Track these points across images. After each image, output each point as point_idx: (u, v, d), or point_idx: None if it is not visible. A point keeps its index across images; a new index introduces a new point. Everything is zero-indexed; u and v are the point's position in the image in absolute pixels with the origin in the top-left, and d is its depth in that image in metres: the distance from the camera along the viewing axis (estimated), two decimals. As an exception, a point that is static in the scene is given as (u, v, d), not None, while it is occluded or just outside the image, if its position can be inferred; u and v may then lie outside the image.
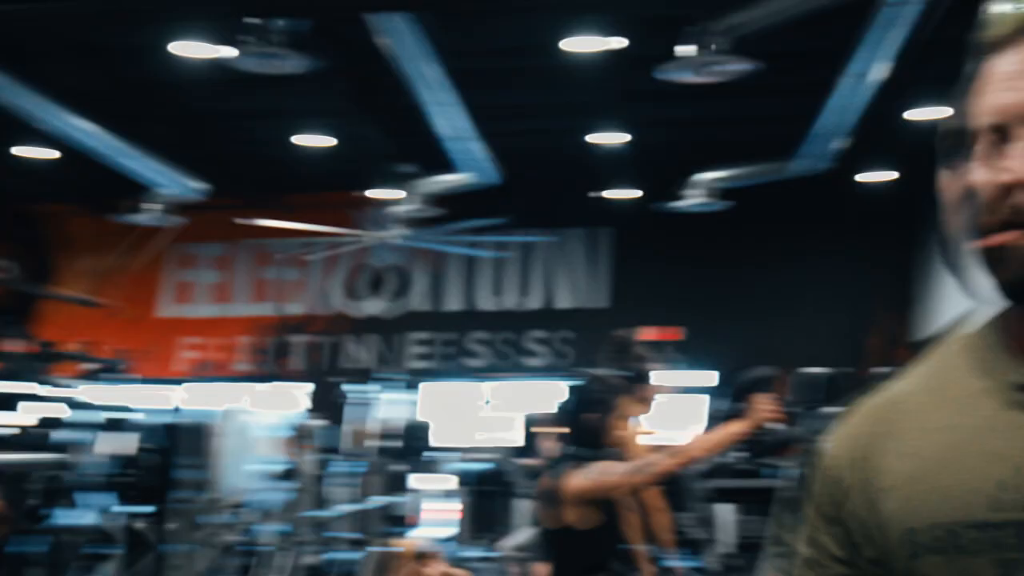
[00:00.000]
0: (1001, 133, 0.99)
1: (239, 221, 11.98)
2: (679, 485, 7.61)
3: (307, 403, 11.65)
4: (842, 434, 1.14)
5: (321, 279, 14.25)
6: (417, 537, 7.67)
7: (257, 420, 7.15)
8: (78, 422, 6.11)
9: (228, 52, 7.23)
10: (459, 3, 6.54)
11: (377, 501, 9.44)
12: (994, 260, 0.99)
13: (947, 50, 8.15)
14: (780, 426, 6.99)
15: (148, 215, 11.52)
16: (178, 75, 9.26)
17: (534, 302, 14.01)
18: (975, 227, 1.00)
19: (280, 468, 7.29)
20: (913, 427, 1.08)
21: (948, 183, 1.04)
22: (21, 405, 6.68)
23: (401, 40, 7.44)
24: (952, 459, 1.04)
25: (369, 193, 12.20)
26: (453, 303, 14.18)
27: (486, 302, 14.12)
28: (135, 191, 11.48)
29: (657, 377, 5.38)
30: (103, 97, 9.50)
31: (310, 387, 12.86)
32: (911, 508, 1.05)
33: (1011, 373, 1.03)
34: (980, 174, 0.99)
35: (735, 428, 3.97)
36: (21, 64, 8.18)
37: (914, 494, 1.05)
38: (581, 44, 8.61)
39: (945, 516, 1.02)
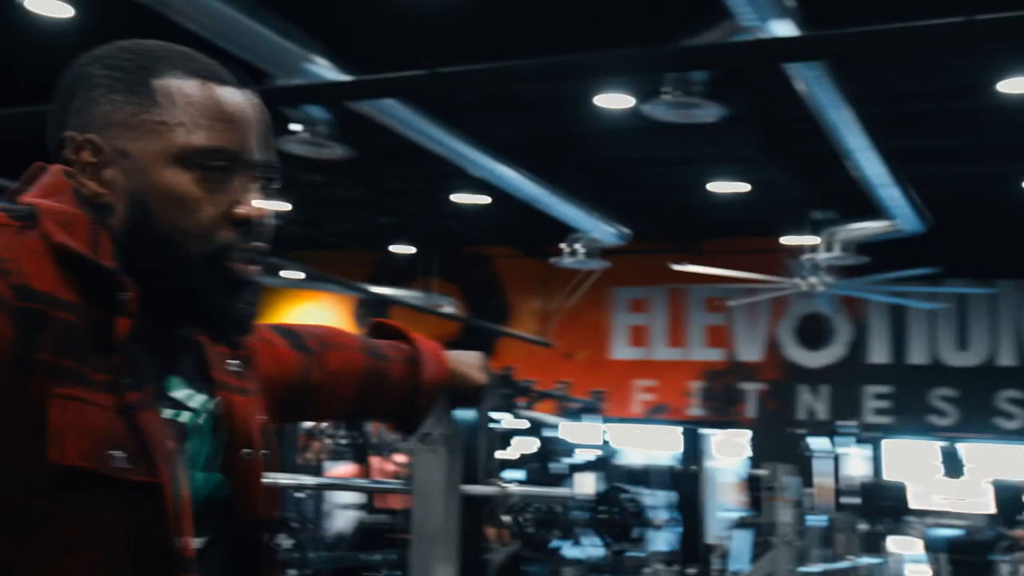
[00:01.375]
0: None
1: (677, 267, 12.09)
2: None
3: (750, 451, 11.54)
4: None
5: (769, 326, 14.13)
6: None
7: (718, 466, 7.30)
8: (572, 459, 6.59)
9: (647, 103, 7.55)
10: (888, 48, 6.50)
11: (855, 560, 9.19)
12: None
13: None
14: None
15: (576, 258, 12.02)
16: (600, 125, 9.80)
17: (1005, 358, 13.06)
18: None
19: (745, 516, 7.40)
20: None
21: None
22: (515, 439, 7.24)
23: (815, 85, 7.46)
24: None
25: (784, 240, 12.10)
26: (915, 356, 13.50)
27: (950, 356, 13.35)
28: (563, 235, 12.09)
29: None
30: (530, 146, 10.11)
31: (750, 434, 12.68)
32: None
33: None
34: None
35: None
36: (459, 118, 8.99)
37: None
38: (1019, 85, 8.27)
39: None
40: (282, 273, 14.58)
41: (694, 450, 3.76)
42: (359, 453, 8.21)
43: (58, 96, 1.24)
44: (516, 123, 10.04)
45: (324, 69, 6.95)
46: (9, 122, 8.17)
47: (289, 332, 1.60)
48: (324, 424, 10.78)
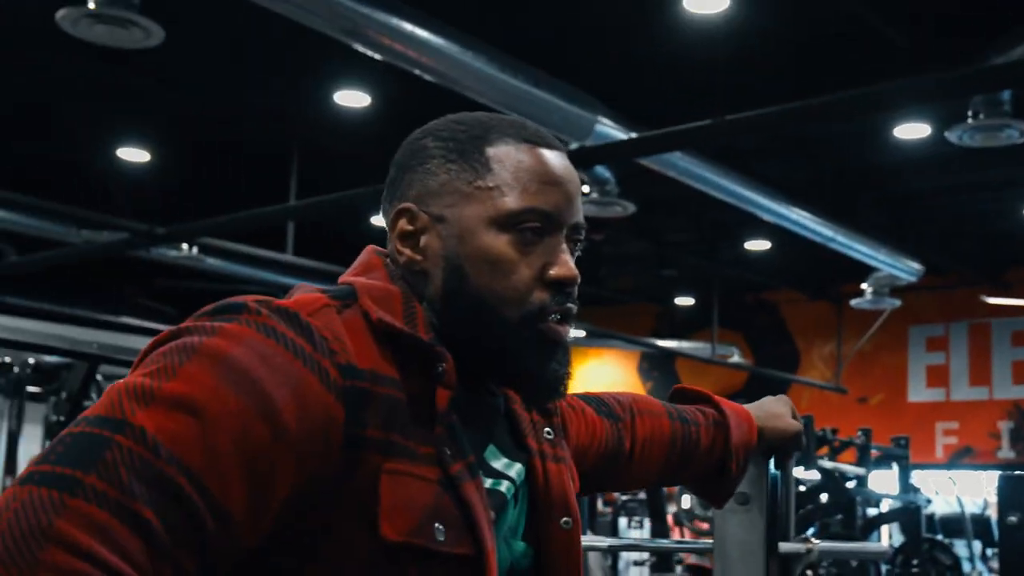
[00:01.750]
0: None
1: (990, 301, 11.69)
2: None
3: None
4: None
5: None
6: None
7: None
8: (878, 510, 6.40)
9: (951, 129, 7.22)
10: None
11: None
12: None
13: None
14: None
15: (867, 298, 11.69)
16: (896, 157, 9.46)
17: None
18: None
19: None
20: None
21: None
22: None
23: None
24: None
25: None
26: None
27: None
28: (852, 275, 11.75)
29: None
30: (818, 186, 9.89)
31: None
32: None
33: None
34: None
35: None
36: (744, 163, 8.85)
37: None
38: None
39: None
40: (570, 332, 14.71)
41: (1013, 496, 3.44)
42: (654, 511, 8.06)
43: (391, 173, 1.29)
44: (803, 163, 9.87)
45: (611, 129, 6.99)
46: (316, 209, 8.62)
47: (595, 400, 1.59)
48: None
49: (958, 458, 13.79)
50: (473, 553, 1.08)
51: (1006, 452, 13.57)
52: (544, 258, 1.20)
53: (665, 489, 9.58)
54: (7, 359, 7.90)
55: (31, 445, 7.55)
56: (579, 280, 1.23)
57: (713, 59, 7.13)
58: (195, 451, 0.94)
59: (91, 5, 5.34)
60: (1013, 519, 3.33)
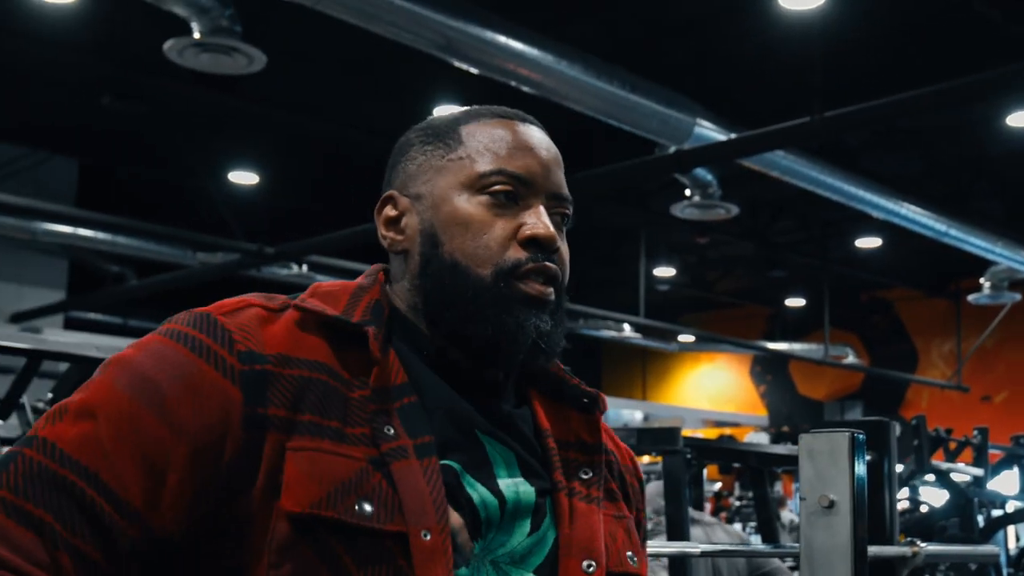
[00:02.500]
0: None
1: None
2: None
3: None
4: None
5: None
6: None
7: None
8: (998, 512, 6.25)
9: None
10: None
11: None
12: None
13: None
14: None
15: (987, 293, 11.42)
16: (1012, 147, 9.22)
17: None
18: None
19: None
20: None
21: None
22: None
23: None
24: None
25: None
26: None
27: None
28: (969, 269, 11.49)
29: None
30: (931, 179, 9.72)
31: None
32: None
33: None
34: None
35: None
36: (851, 159, 8.71)
37: None
38: None
39: None
40: (679, 337, 14.67)
41: None
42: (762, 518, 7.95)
43: (386, 171, 1.32)
44: (913, 157, 9.68)
45: (710, 131, 6.94)
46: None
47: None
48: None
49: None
50: (397, 530, 1.04)
51: None
52: (520, 219, 1.20)
53: (780, 492, 9.48)
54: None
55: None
56: (556, 241, 1.20)
57: (811, 54, 7.03)
58: (91, 450, 1.03)
59: (196, 35, 5.50)
60: None
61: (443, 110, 8.44)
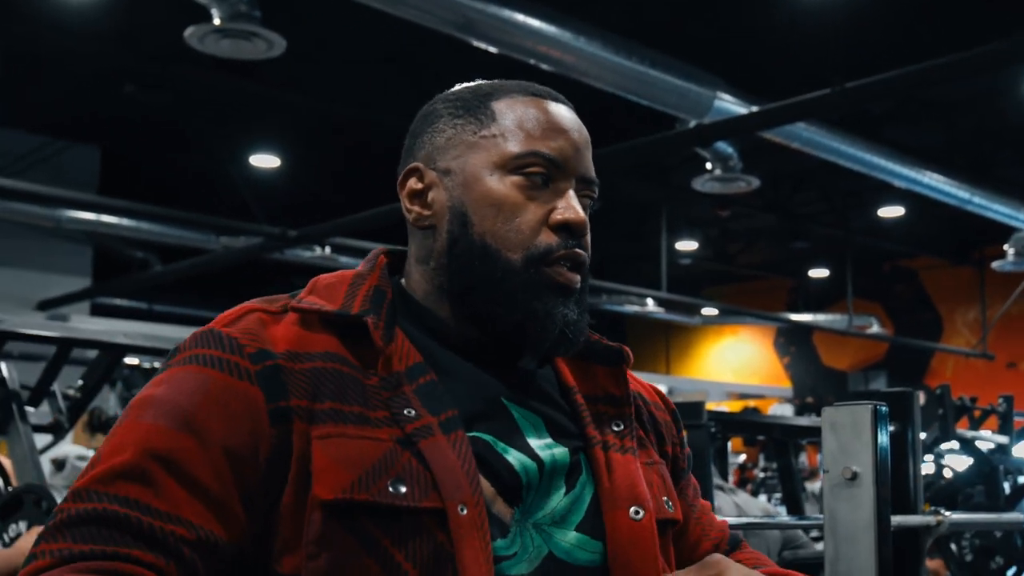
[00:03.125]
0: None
1: None
2: None
3: None
4: None
5: None
6: None
7: None
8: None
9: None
10: None
11: None
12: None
13: None
14: None
15: (1011, 260, 11.36)
16: (1028, 114, 9.18)
17: None
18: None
19: None
20: None
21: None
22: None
23: None
24: None
25: None
26: None
27: None
28: (993, 237, 11.43)
29: None
30: (953, 148, 9.66)
31: None
32: None
33: None
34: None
35: None
36: (874, 130, 8.67)
37: None
38: None
39: None
40: (702, 311, 14.65)
41: None
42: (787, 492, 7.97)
43: (406, 143, 1.29)
44: (937, 126, 9.63)
45: (731, 104, 6.93)
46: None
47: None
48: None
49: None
50: (435, 507, 1.04)
51: None
52: (551, 203, 1.18)
53: (805, 464, 9.48)
54: (156, 364, 8.23)
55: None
56: (587, 227, 1.20)
57: (832, 26, 7.01)
58: (133, 484, 1.02)
59: (216, 21, 5.52)
60: None
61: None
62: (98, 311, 11.72)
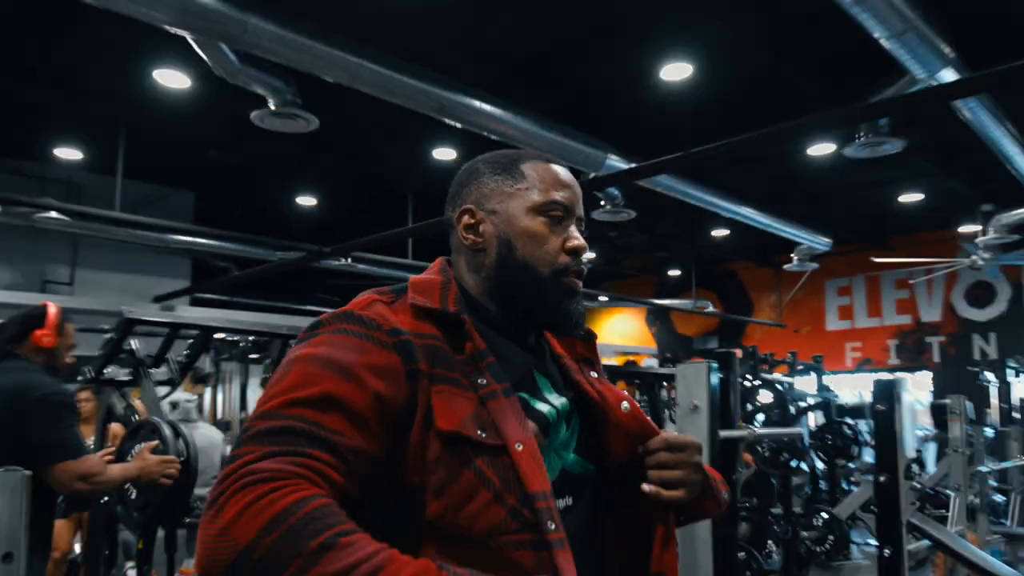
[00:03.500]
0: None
1: (877, 260, 11.39)
2: None
3: (936, 386, 10.59)
4: None
5: (945, 293, 12.94)
6: None
7: (910, 398, 6.76)
8: (803, 403, 6.33)
9: (847, 147, 7.01)
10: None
11: (1020, 460, 8.27)
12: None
13: None
14: None
15: (796, 263, 11.52)
16: (811, 168, 9.24)
17: None
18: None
19: (930, 433, 6.85)
20: None
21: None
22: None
23: (976, 112, 6.67)
24: None
25: (955, 229, 11.03)
26: None
27: None
28: (785, 248, 11.55)
29: None
30: (762, 189, 9.73)
31: (933, 375, 11.70)
32: None
33: None
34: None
35: None
36: (711, 177, 8.71)
37: None
38: None
39: None
40: (599, 298, 14.64)
41: (890, 388, 3.37)
42: (653, 412, 7.98)
43: (452, 189, 1.27)
44: (751, 175, 9.70)
45: (617, 162, 6.91)
46: (425, 228, 8.63)
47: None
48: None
49: (861, 366, 13.47)
50: (499, 443, 1.05)
51: (893, 360, 13.29)
52: (564, 234, 1.19)
53: (667, 397, 9.51)
54: (236, 338, 8.06)
55: (254, 392, 7.69)
56: (587, 249, 1.21)
57: (683, 109, 7.03)
58: (313, 415, 0.98)
59: (271, 106, 5.40)
60: (881, 407, 3.26)
61: (441, 152, 8.42)
62: (195, 303, 11.45)
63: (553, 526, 1.04)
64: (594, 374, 1.26)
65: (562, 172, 1.23)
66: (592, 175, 6.96)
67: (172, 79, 6.41)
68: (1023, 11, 5.96)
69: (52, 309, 2.68)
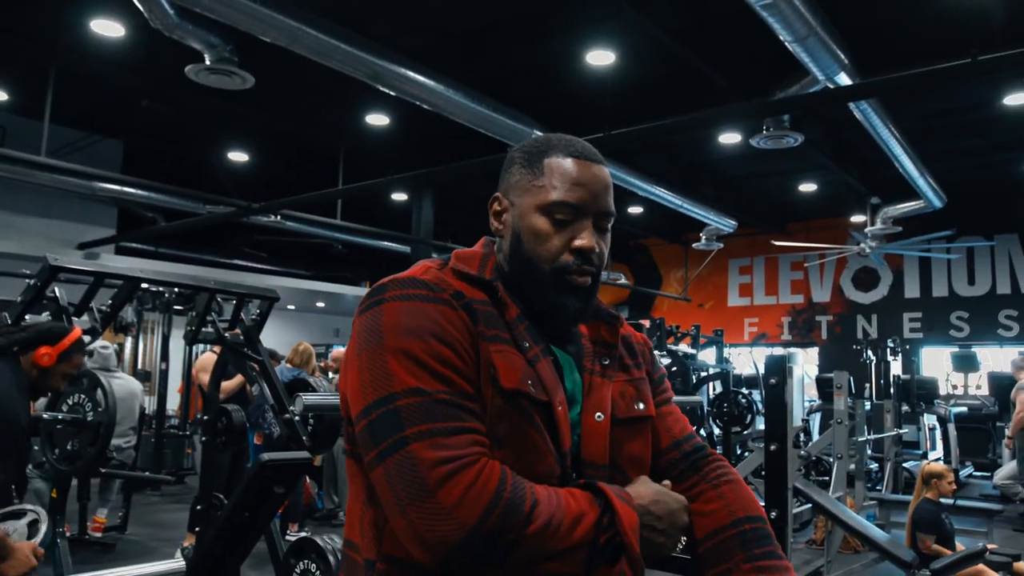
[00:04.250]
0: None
1: (775, 243, 11.77)
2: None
3: (823, 361, 11.12)
4: None
5: (835, 277, 13.50)
6: (933, 460, 7.14)
7: (801, 373, 7.14)
8: (704, 373, 6.53)
9: (753, 138, 7.26)
10: (916, 84, 6.05)
11: (893, 432, 8.84)
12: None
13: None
14: None
15: (703, 243, 11.82)
16: (721, 155, 9.50)
17: (1002, 288, 12.09)
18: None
19: (816, 404, 7.18)
20: None
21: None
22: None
23: (868, 113, 7.00)
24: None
25: (847, 219, 11.53)
26: (937, 291, 12.65)
27: (962, 289, 12.40)
28: (693, 227, 11.83)
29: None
30: (675, 173, 9.92)
31: (820, 350, 12.24)
32: None
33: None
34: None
35: None
36: (629, 159, 8.85)
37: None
38: (1019, 99, 7.50)
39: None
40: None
41: (781, 364, 3.58)
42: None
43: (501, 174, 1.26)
44: (667, 159, 9.88)
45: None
46: (354, 191, 8.49)
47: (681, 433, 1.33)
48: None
49: (757, 340, 13.95)
50: (548, 400, 1.09)
51: (787, 336, 13.80)
52: (573, 234, 1.15)
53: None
54: (161, 289, 7.84)
55: (177, 343, 7.52)
56: (596, 249, 1.16)
57: (605, 93, 7.13)
58: (439, 384, 1.03)
59: (207, 62, 5.24)
60: (772, 380, 3.44)
61: (374, 118, 8.32)
62: (120, 252, 11.05)
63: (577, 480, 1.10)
64: (607, 361, 1.23)
65: (581, 170, 1.17)
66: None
67: (108, 28, 6.13)
68: (912, 24, 6.26)
69: (72, 335, 2.61)
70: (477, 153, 7.78)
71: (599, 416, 1.17)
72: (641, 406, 1.23)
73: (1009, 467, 7.70)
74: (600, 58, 6.72)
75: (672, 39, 6.32)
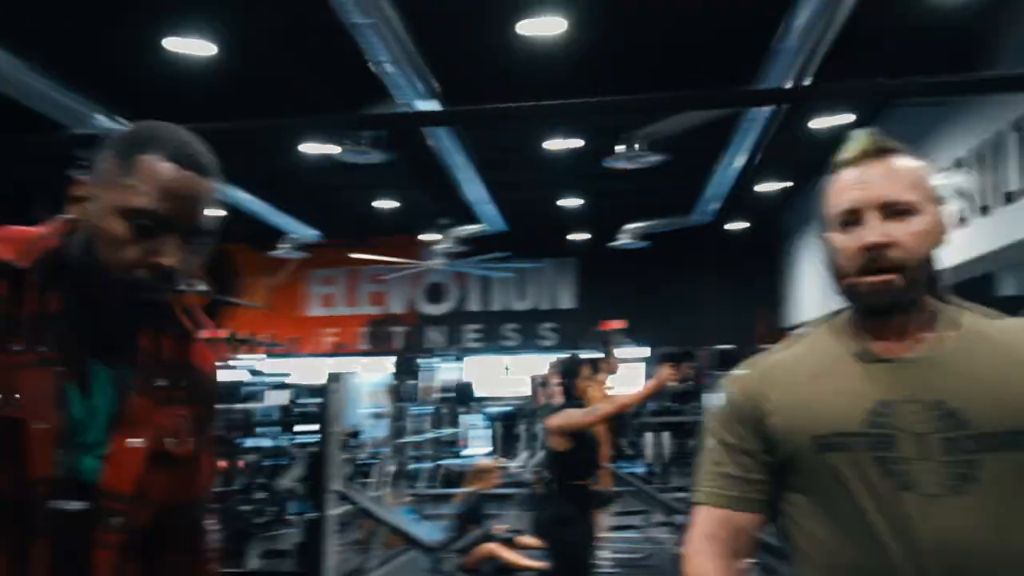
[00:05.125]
0: (854, 216, 1.08)
1: (352, 255, 11.98)
2: (621, 420, 7.70)
3: (393, 369, 11.57)
4: (740, 381, 1.18)
5: (410, 290, 14.16)
6: (482, 457, 7.72)
7: (366, 380, 7.23)
8: (258, 383, 6.23)
9: (338, 149, 7.32)
10: (480, 121, 6.70)
11: (441, 432, 9.50)
12: (856, 291, 1.08)
13: (784, 147, 8.23)
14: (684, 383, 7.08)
15: (286, 251, 11.62)
16: (307, 166, 9.38)
17: (545, 306, 14.01)
18: (840, 271, 1.10)
19: (379, 411, 7.37)
20: (788, 376, 1.14)
21: (822, 244, 1.13)
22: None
23: (442, 140, 7.55)
24: (818, 394, 1.10)
25: (422, 237, 12.26)
26: (495, 305, 14.11)
27: (515, 304, 14.07)
28: (277, 236, 11.56)
29: (617, 353, 5.55)
30: (262, 178, 9.55)
31: (394, 359, 12.76)
32: (792, 425, 1.09)
33: (853, 345, 1.12)
34: (842, 240, 1.09)
35: (648, 385, 3.91)
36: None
37: (793, 415, 1.10)
38: (556, 144, 8.73)
39: (827, 428, 1.06)
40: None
41: (335, 379, 3.77)
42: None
43: None
44: (252, 163, 9.41)
45: (104, 120, 6.13)
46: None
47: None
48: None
49: (338, 350, 14.11)
50: (15, 416, 0.96)
51: (366, 345, 14.23)
52: (155, 247, 1.02)
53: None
54: None
55: None
56: (175, 267, 1.03)
57: (196, 84, 6.51)
58: None
59: None
60: (325, 395, 3.47)
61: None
62: None
63: None
64: (162, 381, 1.11)
65: (180, 177, 1.03)
66: (75, 131, 6.06)
67: None
68: (497, 59, 6.78)
69: None
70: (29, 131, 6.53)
71: (131, 441, 1.05)
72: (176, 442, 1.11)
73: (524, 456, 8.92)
74: (182, 45, 6.16)
75: (268, 45, 6.06)
